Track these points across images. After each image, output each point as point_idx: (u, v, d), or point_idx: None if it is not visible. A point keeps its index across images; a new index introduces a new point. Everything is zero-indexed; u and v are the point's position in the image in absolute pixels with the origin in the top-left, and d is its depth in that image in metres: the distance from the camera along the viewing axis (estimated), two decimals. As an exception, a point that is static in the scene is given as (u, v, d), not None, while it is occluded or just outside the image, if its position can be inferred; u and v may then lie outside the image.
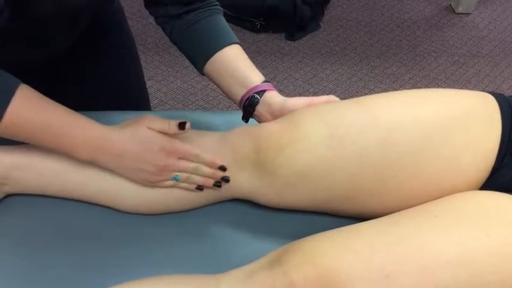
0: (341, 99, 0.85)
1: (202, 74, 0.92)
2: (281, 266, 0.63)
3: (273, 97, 0.85)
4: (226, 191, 0.81)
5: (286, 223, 0.83)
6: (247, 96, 0.85)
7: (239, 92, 0.86)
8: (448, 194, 0.74)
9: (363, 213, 0.78)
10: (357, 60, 2.43)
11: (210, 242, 0.80)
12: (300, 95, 2.18)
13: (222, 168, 0.79)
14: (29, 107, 0.71)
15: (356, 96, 2.20)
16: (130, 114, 1.02)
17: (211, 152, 0.79)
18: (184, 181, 0.79)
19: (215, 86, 0.92)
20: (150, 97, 1.26)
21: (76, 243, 0.79)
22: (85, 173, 0.80)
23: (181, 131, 0.76)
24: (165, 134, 0.77)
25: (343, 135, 0.74)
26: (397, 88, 2.28)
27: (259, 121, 0.88)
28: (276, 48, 2.45)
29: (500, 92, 0.83)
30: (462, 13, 2.79)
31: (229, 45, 0.88)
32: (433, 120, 0.74)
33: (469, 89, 2.29)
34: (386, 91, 2.33)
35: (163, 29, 0.94)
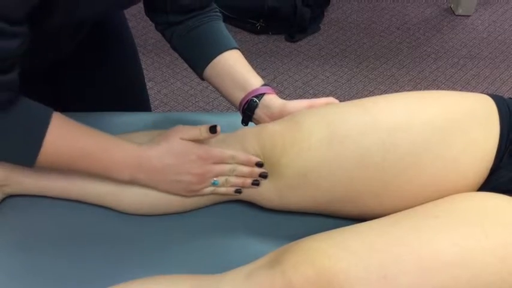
0: (341, 100, 0.85)
1: (202, 78, 0.92)
2: (280, 266, 0.64)
3: (272, 100, 0.85)
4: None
5: (286, 224, 0.83)
6: (247, 100, 0.86)
7: (238, 96, 0.87)
8: (447, 195, 0.74)
9: (363, 214, 0.79)
10: (357, 62, 2.43)
11: (211, 243, 0.80)
12: (300, 96, 2.18)
13: (259, 165, 0.79)
14: (65, 136, 0.71)
15: (356, 98, 2.20)
16: (131, 116, 1.02)
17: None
18: (222, 185, 0.79)
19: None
20: (150, 98, 1.26)
21: (76, 244, 0.79)
22: (86, 175, 0.80)
23: (213, 135, 0.77)
24: (197, 141, 0.78)
25: (344, 136, 0.75)
26: (397, 90, 2.29)
27: (259, 122, 0.88)
28: (276, 50, 2.45)
29: (500, 94, 0.83)
30: (462, 15, 2.79)
31: (229, 50, 0.89)
32: (433, 121, 0.74)
33: (469, 90, 2.29)
34: (386, 93, 2.33)
35: (163, 35, 0.95)
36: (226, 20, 2.54)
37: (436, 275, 0.61)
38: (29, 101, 0.70)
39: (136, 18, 2.47)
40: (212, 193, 0.80)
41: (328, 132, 0.76)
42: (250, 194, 0.81)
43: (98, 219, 0.82)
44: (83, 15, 0.81)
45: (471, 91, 2.28)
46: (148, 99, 1.24)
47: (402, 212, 0.72)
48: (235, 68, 0.88)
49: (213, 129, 0.77)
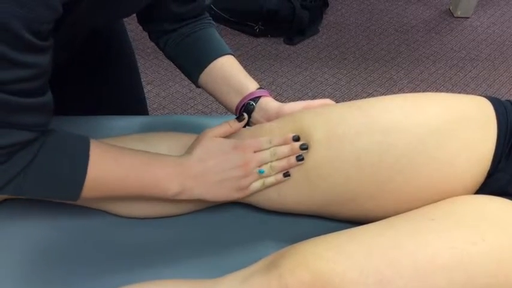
0: (339, 102, 0.85)
1: (197, 85, 0.93)
2: (276, 270, 0.64)
3: (269, 103, 0.85)
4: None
5: (283, 227, 0.83)
6: (243, 103, 0.86)
7: (235, 100, 0.87)
8: (444, 198, 0.74)
9: (360, 217, 0.79)
10: (356, 64, 2.44)
11: (207, 246, 0.80)
12: (299, 99, 2.18)
13: (295, 139, 0.77)
14: (106, 163, 0.70)
15: (354, 100, 2.20)
16: (129, 119, 1.02)
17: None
18: (269, 173, 0.77)
19: (214, 90, 0.93)
20: (149, 101, 1.26)
21: (74, 248, 0.79)
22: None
23: (242, 123, 0.80)
24: (228, 136, 0.78)
25: (341, 136, 0.75)
26: (396, 92, 2.29)
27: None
28: (275, 53, 2.45)
29: (499, 96, 0.83)
30: (461, 17, 2.79)
31: (223, 56, 0.89)
32: (430, 124, 0.74)
33: (468, 92, 2.29)
34: (385, 95, 2.32)
35: (157, 44, 0.95)
36: (225, 23, 2.55)
37: (432, 278, 0.61)
38: (65, 133, 0.68)
39: (134, 21, 2.47)
40: (263, 188, 0.78)
41: (326, 131, 0.76)
42: (246, 194, 0.80)
43: (95, 223, 0.82)
44: (88, 28, 0.82)
45: (470, 93, 2.28)
46: (145, 103, 1.25)
47: (398, 216, 0.72)
48: (231, 72, 0.88)
49: (240, 118, 0.80)
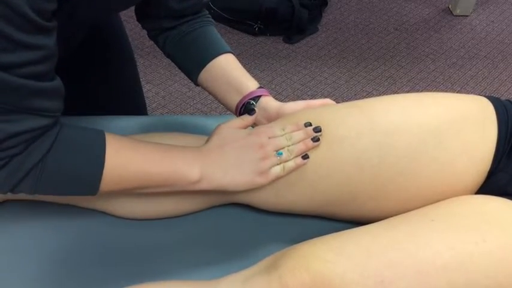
0: (339, 101, 0.85)
1: (197, 84, 0.92)
2: (277, 271, 0.63)
3: (269, 102, 0.85)
4: (223, 194, 0.81)
5: (283, 228, 0.83)
6: (243, 103, 0.85)
7: (234, 99, 0.87)
8: (444, 198, 0.74)
9: (360, 217, 0.79)
10: (355, 63, 2.43)
11: (207, 247, 0.80)
12: (298, 98, 2.18)
13: (308, 124, 0.77)
14: (123, 155, 0.69)
15: (354, 99, 2.20)
16: (129, 119, 1.02)
17: None
18: (287, 156, 0.76)
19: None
20: (148, 101, 1.26)
21: (74, 249, 0.79)
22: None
23: (253, 117, 0.82)
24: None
25: (341, 138, 0.75)
26: (395, 91, 2.28)
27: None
28: (274, 51, 2.45)
29: (498, 94, 0.83)
30: (460, 15, 2.79)
31: (223, 54, 0.89)
32: (430, 124, 0.74)
33: (467, 91, 2.29)
34: (384, 94, 2.33)
35: (156, 42, 0.94)
36: (224, 22, 2.54)
37: (433, 279, 0.61)
38: (79, 128, 0.68)
39: (133, 20, 2.46)
40: (284, 173, 0.76)
41: (326, 133, 0.76)
42: (246, 193, 0.80)
43: (95, 224, 0.82)
44: (86, 18, 0.81)
45: (470, 91, 2.28)
46: (145, 104, 1.24)
47: (399, 216, 0.72)
48: (231, 71, 0.88)
49: (251, 112, 0.83)
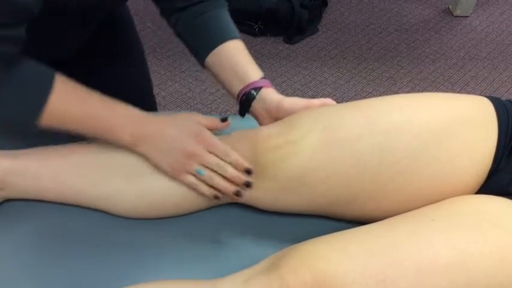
0: (339, 102, 0.85)
1: (203, 66, 0.92)
2: (278, 271, 0.63)
3: (270, 94, 0.85)
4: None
5: (285, 227, 0.83)
6: (244, 92, 0.86)
7: (237, 87, 0.87)
8: (445, 198, 0.74)
9: (361, 217, 0.78)
10: (355, 63, 2.43)
11: (208, 247, 0.80)
12: (299, 98, 2.17)
13: (248, 171, 0.77)
14: (69, 96, 0.74)
15: (354, 99, 2.20)
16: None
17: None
18: (206, 179, 0.77)
19: (213, 89, 0.93)
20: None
21: (73, 249, 0.79)
22: (82, 178, 0.80)
23: (224, 124, 0.82)
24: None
25: (341, 140, 0.74)
26: (396, 91, 2.28)
27: (255, 117, 0.88)
28: (274, 52, 2.45)
29: (499, 95, 0.83)
30: (460, 16, 2.79)
31: (232, 40, 0.89)
32: (429, 124, 0.74)
33: (468, 91, 2.29)
34: (384, 94, 2.32)
35: (168, 21, 0.95)
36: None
37: (434, 279, 0.61)
38: (34, 62, 0.71)
39: (136, 18, 2.47)
40: (191, 187, 0.78)
41: (325, 135, 0.75)
42: (245, 195, 0.80)
43: (95, 224, 0.82)
44: (93, 9, 0.83)
45: (470, 92, 2.28)
46: (154, 101, 1.23)
47: (400, 216, 0.72)
48: (237, 58, 0.88)
49: (224, 120, 0.82)
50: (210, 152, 0.77)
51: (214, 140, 0.78)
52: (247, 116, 0.90)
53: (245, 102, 0.86)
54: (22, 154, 0.81)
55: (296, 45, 2.51)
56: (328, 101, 0.85)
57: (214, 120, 0.81)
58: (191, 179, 0.78)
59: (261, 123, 0.88)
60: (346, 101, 0.83)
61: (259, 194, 0.79)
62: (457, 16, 2.79)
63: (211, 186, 0.78)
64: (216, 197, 0.78)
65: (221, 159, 0.77)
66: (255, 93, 0.85)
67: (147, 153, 0.78)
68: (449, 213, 0.69)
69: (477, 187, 0.76)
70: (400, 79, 2.35)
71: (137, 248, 0.79)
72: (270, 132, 0.79)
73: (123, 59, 1.11)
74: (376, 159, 0.73)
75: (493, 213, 0.68)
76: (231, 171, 0.77)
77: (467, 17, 2.80)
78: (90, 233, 0.81)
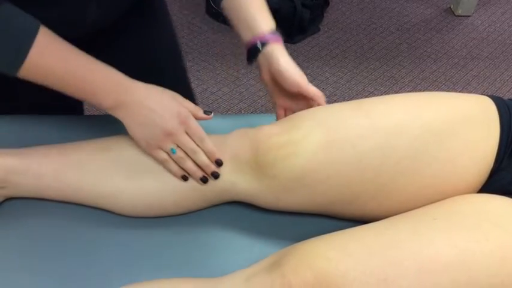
0: (340, 101, 0.85)
1: (219, 7, 0.92)
2: (279, 269, 0.63)
3: (274, 52, 0.84)
4: (224, 193, 0.81)
5: (286, 226, 0.83)
6: (252, 43, 0.85)
7: (246, 36, 0.86)
8: (446, 197, 0.74)
9: (362, 216, 0.78)
10: (357, 63, 2.43)
11: (209, 245, 0.80)
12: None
13: (218, 163, 0.78)
14: (51, 49, 0.72)
15: (355, 98, 2.19)
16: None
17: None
18: (177, 160, 0.78)
19: (214, 89, 0.92)
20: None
21: (74, 247, 0.79)
22: (83, 176, 0.80)
23: (205, 116, 0.80)
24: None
25: (342, 140, 0.74)
26: (397, 91, 2.28)
27: (258, 68, 0.88)
28: (276, 51, 2.45)
29: (500, 94, 0.83)
30: (462, 15, 2.79)
31: None
32: (431, 124, 0.74)
33: (469, 91, 2.29)
34: (385, 94, 2.33)
35: None
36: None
37: (436, 278, 0.60)
38: (18, 10, 0.70)
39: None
40: (163, 163, 0.78)
41: (326, 135, 0.75)
42: (246, 194, 0.80)
43: (96, 222, 0.82)
44: None
45: (471, 92, 2.28)
46: (184, 68, 1.20)
47: (401, 215, 0.72)
48: (251, 6, 0.87)
49: (207, 112, 0.81)
50: (188, 134, 0.78)
51: (194, 124, 0.78)
52: (247, 115, 0.89)
53: (251, 53, 0.86)
54: (23, 152, 0.81)
55: (297, 44, 2.51)
56: (321, 99, 0.84)
57: (197, 109, 0.80)
58: (163, 155, 0.78)
59: (261, 77, 0.88)
60: (347, 100, 0.83)
61: (260, 193, 0.79)
62: (458, 16, 2.79)
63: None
64: (183, 178, 0.79)
65: (197, 145, 0.78)
66: (260, 47, 0.84)
67: (125, 122, 0.78)
68: (451, 212, 0.69)
69: (478, 186, 0.76)
70: (401, 79, 2.35)
71: (137, 246, 0.79)
72: (271, 131, 0.79)
73: (151, 35, 1.07)
74: (378, 160, 0.73)
75: (494, 212, 0.68)
76: (202, 159, 0.78)
77: (468, 16, 2.80)
78: (91, 232, 0.81)
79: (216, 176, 0.78)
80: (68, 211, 0.82)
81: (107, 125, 0.96)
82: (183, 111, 0.78)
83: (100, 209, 0.82)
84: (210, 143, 0.78)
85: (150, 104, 0.76)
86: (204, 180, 0.79)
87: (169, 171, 0.79)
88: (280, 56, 0.84)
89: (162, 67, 1.10)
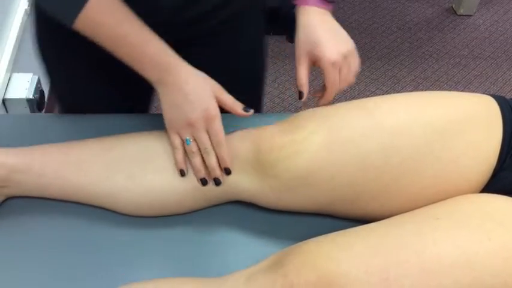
0: (342, 101, 0.84)
1: None
2: (282, 269, 0.63)
3: (299, 17, 0.83)
4: (226, 193, 0.81)
5: (288, 225, 0.83)
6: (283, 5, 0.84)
7: None
8: (449, 197, 0.73)
9: (364, 216, 0.78)
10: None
11: (211, 245, 0.80)
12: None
13: (227, 171, 0.78)
14: (108, 10, 0.74)
15: (357, 98, 2.19)
16: (137, 117, 1.02)
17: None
18: (188, 152, 0.77)
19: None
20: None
21: (76, 246, 0.79)
22: (85, 175, 0.80)
23: (243, 112, 0.79)
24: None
25: (345, 140, 0.74)
26: (399, 90, 2.28)
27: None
28: (277, 51, 2.45)
29: (502, 94, 0.83)
30: (464, 15, 2.78)
31: None
32: (434, 124, 0.74)
33: (471, 90, 2.28)
34: (387, 93, 2.33)
35: None
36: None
37: (439, 278, 0.60)
38: None
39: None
40: (173, 149, 0.78)
41: (329, 135, 0.75)
42: (248, 194, 0.80)
43: (97, 222, 0.82)
44: None
45: (473, 91, 2.27)
46: (261, 97, 1.17)
47: (404, 214, 0.72)
48: None
49: (245, 109, 0.80)
50: (208, 133, 0.77)
51: (218, 126, 0.77)
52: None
53: (283, 20, 0.85)
54: (25, 151, 0.81)
55: (299, 44, 2.50)
56: (327, 95, 0.84)
57: (237, 104, 0.80)
58: (177, 141, 0.78)
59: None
60: (349, 100, 0.83)
61: (262, 193, 0.79)
62: (460, 15, 2.78)
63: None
64: (181, 172, 0.78)
65: (212, 146, 0.77)
66: (294, 11, 0.83)
67: (161, 99, 0.79)
68: (454, 212, 0.69)
69: (481, 186, 0.75)
70: (403, 78, 2.35)
71: (141, 245, 0.79)
72: (273, 131, 0.79)
73: (242, 32, 1.01)
74: (381, 160, 0.73)
75: (497, 212, 0.67)
76: (212, 161, 0.77)
77: (470, 15, 2.79)
78: (94, 230, 0.81)
79: (217, 182, 0.78)
80: (70, 210, 0.82)
81: (110, 124, 0.96)
82: (213, 109, 0.77)
83: (102, 208, 0.82)
84: (226, 150, 0.77)
85: (187, 89, 0.76)
86: (204, 182, 0.78)
87: (174, 158, 0.79)
88: (300, 28, 0.83)
89: (239, 68, 1.06)
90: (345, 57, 0.83)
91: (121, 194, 0.80)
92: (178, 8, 0.87)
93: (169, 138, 0.79)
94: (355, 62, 0.86)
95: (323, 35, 0.83)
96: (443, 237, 0.63)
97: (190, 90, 0.77)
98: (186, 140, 0.78)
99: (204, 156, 0.78)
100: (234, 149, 0.79)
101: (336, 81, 0.84)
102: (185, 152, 0.79)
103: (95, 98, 1.00)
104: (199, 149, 0.78)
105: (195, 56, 0.83)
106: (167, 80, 0.77)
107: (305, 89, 0.85)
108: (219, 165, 0.78)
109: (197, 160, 0.78)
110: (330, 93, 0.85)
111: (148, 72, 0.77)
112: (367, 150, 0.73)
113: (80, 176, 0.80)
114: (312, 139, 0.75)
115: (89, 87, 0.98)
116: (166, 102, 0.78)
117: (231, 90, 0.81)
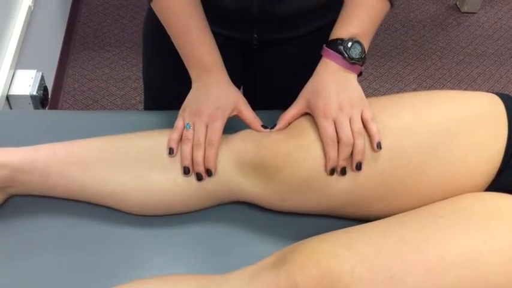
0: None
1: None
2: (285, 266, 0.63)
3: (318, 65, 0.81)
4: (230, 193, 0.81)
5: (291, 224, 0.83)
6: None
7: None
8: (454, 196, 0.73)
9: (369, 217, 0.78)
10: (362, 59, 2.42)
11: (215, 243, 0.80)
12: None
13: (208, 172, 0.78)
14: (180, 2, 0.82)
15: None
16: (140, 114, 1.02)
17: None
18: (184, 135, 0.79)
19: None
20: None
21: (80, 244, 0.79)
22: (90, 175, 0.79)
23: (262, 129, 0.81)
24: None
25: None
26: (402, 88, 2.27)
27: None
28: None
29: (506, 91, 0.83)
30: (467, 12, 2.77)
31: None
32: (439, 124, 0.74)
33: (475, 88, 2.28)
34: (391, 91, 2.32)
35: None
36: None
37: (442, 276, 0.60)
38: None
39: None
40: (174, 128, 0.80)
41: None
42: (252, 195, 0.80)
43: (101, 220, 0.82)
44: None
45: (477, 89, 2.27)
46: None
47: (408, 213, 0.72)
48: (347, 6, 0.85)
49: (264, 127, 0.82)
50: (207, 128, 0.79)
51: (218, 126, 0.79)
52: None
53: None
54: (30, 151, 0.80)
55: (302, 41, 2.50)
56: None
57: (256, 120, 0.82)
58: (180, 124, 0.81)
59: None
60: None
61: (266, 195, 0.78)
62: (464, 12, 2.77)
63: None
64: (170, 151, 0.79)
65: (205, 143, 0.78)
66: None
67: (192, 91, 0.83)
68: (458, 210, 0.69)
69: (486, 185, 0.75)
70: (406, 75, 2.34)
71: (144, 244, 0.79)
72: (278, 137, 0.78)
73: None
74: (387, 163, 0.73)
75: (501, 210, 0.67)
76: (198, 155, 0.78)
77: (474, 13, 2.78)
78: (98, 229, 0.81)
79: (199, 178, 0.78)
80: (75, 209, 0.82)
81: (114, 121, 0.96)
82: (222, 111, 0.80)
83: (105, 206, 0.82)
84: (214, 152, 0.78)
85: (213, 89, 0.82)
86: (186, 170, 0.78)
87: (169, 137, 0.80)
88: (317, 67, 0.81)
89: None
90: (341, 109, 0.75)
91: (126, 193, 0.79)
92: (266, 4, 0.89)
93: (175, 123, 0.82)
94: (357, 114, 0.75)
95: (327, 87, 0.78)
96: (447, 235, 0.63)
97: (215, 90, 0.81)
98: (187, 124, 0.79)
99: (194, 148, 0.78)
100: (237, 152, 0.79)
101: (329, 132, 0.74)
102: (181, 137, 0.80)
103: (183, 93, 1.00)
104: (193, 139, 0.79)
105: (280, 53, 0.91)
106: (203, 78, 0.83)
107: (281, 125, 0.81)
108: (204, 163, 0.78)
109: (187, 148, 0.78)
110: (326, 149, 0.74)
111: (190, 68, 0.84)
112: (373, 154, 0.73)
113: (85, 176, 0.79)
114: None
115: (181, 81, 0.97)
116: (193, 93, 0.83)
117: (294, 94, 0.82)
